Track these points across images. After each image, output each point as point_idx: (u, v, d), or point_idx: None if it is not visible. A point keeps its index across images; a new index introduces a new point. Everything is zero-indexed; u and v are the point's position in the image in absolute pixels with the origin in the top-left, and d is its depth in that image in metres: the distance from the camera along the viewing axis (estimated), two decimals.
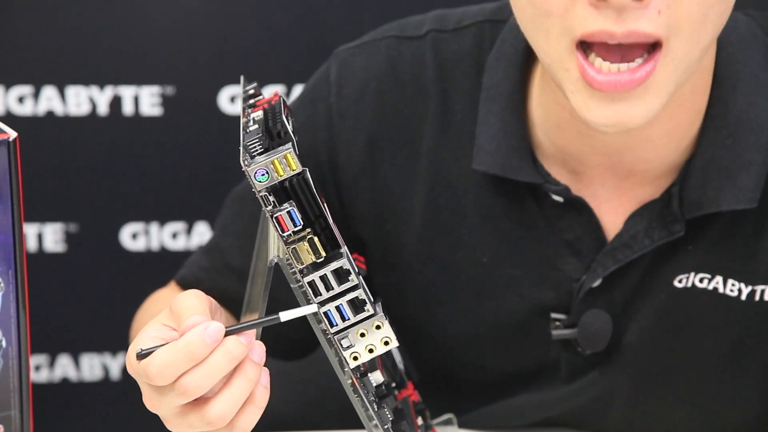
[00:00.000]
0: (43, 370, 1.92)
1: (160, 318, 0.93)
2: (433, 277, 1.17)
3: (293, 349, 1.25)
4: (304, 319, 0.94)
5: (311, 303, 0.91)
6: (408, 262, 1.17)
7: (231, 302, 1.19)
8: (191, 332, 0.88)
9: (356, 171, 1.17)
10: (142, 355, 0.89)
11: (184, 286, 1.25)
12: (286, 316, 0.90)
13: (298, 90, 1.81)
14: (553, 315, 1.13)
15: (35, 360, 1.90)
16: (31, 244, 1.86)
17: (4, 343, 0.96)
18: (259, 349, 0.90)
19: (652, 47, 0.93)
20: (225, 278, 1.22)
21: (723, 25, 0.98)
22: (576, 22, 0.93)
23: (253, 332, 0.90)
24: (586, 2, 0.92)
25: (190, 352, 0.87)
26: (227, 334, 0.89)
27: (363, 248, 1.20)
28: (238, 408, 0.89)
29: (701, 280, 1.10)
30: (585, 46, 0.94)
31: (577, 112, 0.97)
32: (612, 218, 1.11)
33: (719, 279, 1.10)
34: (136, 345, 0.90)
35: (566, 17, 0.94)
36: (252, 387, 0.90)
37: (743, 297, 1.10)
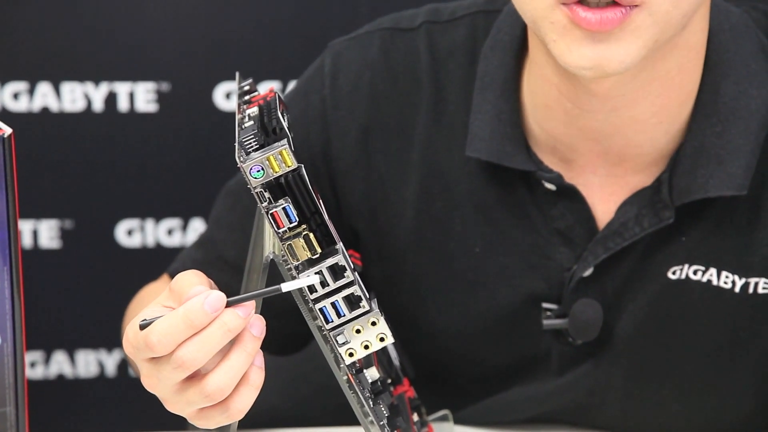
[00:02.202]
0: (38, 367, 1.92)
1: (160, 299, 0.93)
2: (425, 268, 1.17)
3: (286, 344, 1.25)
4: (297, 312, 0.94)
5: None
6: (401, 252, 1.18)
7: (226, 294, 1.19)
8: (192, 300, 0.88)
9: (350, 162, 1.17)
10: (144, 325, 0.89)
11: None
12: (287, 286, 0.90)
13: (293, 85, 1.80)
14: (545, 305, 1.13)
15: (30, 356, 1.90)
16: (27, 241, 1.86)
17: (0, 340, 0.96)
18: (258, 323, 0.90)
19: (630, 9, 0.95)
20: (218, 271, 1.21)
21: None
22: None
23: (252, 306, 0.90)
24: None
25: (189, 320, 0.87)
26: (228, 305, 0.89)
27: (357, 240, 1.20)
28: (236, 381, 0.89)
29: (695, 272, 1.10)
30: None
31: (560, 57, 0.97)
32: (604, 207, 1.11)
33: (713, 271, 1.10)
34: (135, 324, 0.90)
35: None
36: (250, 360, 0.90)
37: (737, 289, 1.10)
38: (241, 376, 0.90)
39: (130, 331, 0.91)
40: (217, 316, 0.88)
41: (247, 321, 0.89)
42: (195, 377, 0.89)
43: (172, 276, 1.26)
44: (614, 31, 0.94)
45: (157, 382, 0.91)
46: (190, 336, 0.88)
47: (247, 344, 0.89)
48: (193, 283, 0.91)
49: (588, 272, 1.11)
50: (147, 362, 0.90)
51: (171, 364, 0.88)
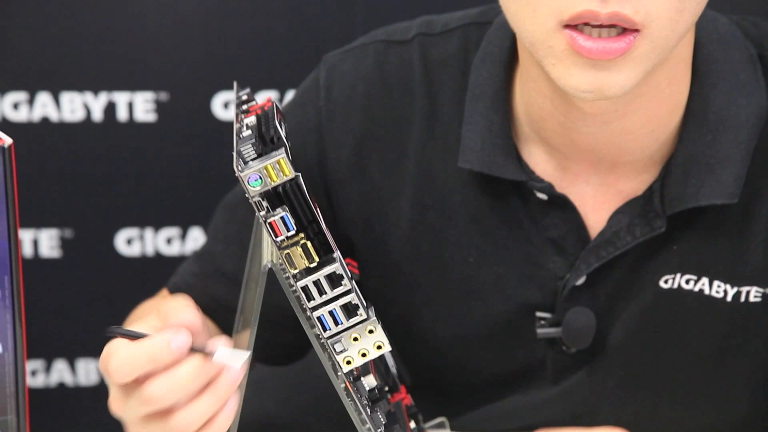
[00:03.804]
0: (39, 375, 1.92)
1: (149, 321, 0.93)
2: (420, 278, 1.17)
3: (283, 354, 1.25)
4: (294, 323, 0.94)
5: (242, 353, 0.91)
6: (396, 262, 1.18)
7: (222, 307, 1.19)
8: (159, 334, 0.88)
9: (345, 172, 1.17)
10: (111, 331, 0.89)
11: (175, 292, 1.25)
12: (219, 356, 0.90)
13: (290, 95, 1.81)
14: (538, 314, 1.13)
15: (31, 365, 1.90)
16: (27, 250, 1.86)
17: (0, 349, 0.96)
18: (235, 373, 0.90)
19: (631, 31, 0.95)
20: (216, 283, 1.22)
21: (699, 14, 0.99)
22: (563, 3, 0.94)
23: (244, 355, 0.90)
24: None
25: (152, 353, 0.87)
26: (193, 350, 0.89)
27: (352, 249, 1.20)
28: (201, 423, 0.89)
29: (687, 281, 1.10)
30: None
31: (559, 80, 0.97)
32: (596, 216, 1.11)
33: (705, 280, 1.10)
34: (112, 343, 0.91)
35: (552, 0, 0.95)
36: (220, 404, 0.90)
37: (729, 298, 1.10)
38: (208, 418, 0.90)
39: (105, 348, 0.91)
40: (189, 358, 0.88)
41: (223, 368, 0.89)
42: (162, 411, 0.89)
43: (171, 290, 1.26)
44: (616, 59, 0.94)
45: (124, 409, 0.91)
46: (161, 372, 0.88)
47: (220, 388, 0.89)
48: (179, 310, 0.91)
49: (581, 281, 1.11)
50: (117, 387, 0.91)
51: (139, 397, 0.88)
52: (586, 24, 0.94)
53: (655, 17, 0.94)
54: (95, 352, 1.90)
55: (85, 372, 1.92)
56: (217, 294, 1.21)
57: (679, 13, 0.95)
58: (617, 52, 0.94)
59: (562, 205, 1.11)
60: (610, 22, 0.93)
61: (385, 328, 0.94)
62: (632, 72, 0.96)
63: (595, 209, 1.11)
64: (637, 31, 0.94)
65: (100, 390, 1.94)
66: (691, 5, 0.96)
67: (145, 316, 0.98)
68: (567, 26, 0.95)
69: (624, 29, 0.94)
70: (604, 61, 0.94)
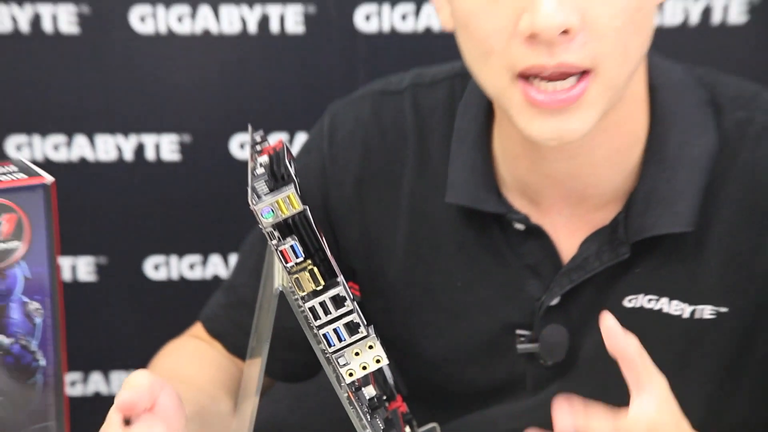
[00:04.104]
0: (77, 386, 1.92)
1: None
2: (414, 301, 1.17)
3: (297, 373, 1.25)
4: (307, 346, 0.94)
5: (315, 332, 0.91)
6: (392, 287, 1.18)
7: (244, 332, 1.19)
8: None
9: (346, 209, 1.18)
10: None
11: (206, 321, 1.26)
12: None
13: (299, 137, 1.81)
14: (518, 331, 1.13)
15: (70, 377, 1.90)
16: (66, 275, 1.86)
17: (43, 362, 0.96)
18: None
19: (582, 72, 0.95)
20: (239, 312, 1.22)
21: (645, 52, 1.00)
22: (514, 59, 0.94)
23: None
24: (521, 40, 0.93)
25: None
26: None
27: (354, 276, 1.20)
28: None
29: (649, 301, 1.10)
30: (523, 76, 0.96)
31: (523, 131, 0.98)
32: (568, 243, 1.11)
33: (665, 300, 1.10)
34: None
35: (505, 55, 0.95)
36: None
37: (686, 316, 1.10)
38: None
39: None
40: None
41: None
42: None
43: (202, 320, 1.26)
44: (571, 106, 0.95)
45: None
46: None
47: None
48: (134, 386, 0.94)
49: (555, 301, 1.11)
50: None
51: None
52: (537, 76, 0.94)
53: (602, 60, 0.94)
54: (127, 364, 1.90)
55: (118, 382, 1.92)
56: (240, 321, 1.21)
57: (625, 53, 0.95)
58: (571, 100, 0.94)
59: (537, 234, 1.11)
60: (560, 71, 0.93)
61: (383, 344, 0.94)
62: (588, 115, 0.96)
63: (567, 238, 1.11)
64: (588, 72, 0.94)
65: None
66: (635, 45, 0.96)
67: (168, 368, 1.02)
68: (521, 78, 0.95)
69: (576, 75, 0.94)
70: (561, 108, 0.94)
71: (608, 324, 0.89)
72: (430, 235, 1.15)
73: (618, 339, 0.89)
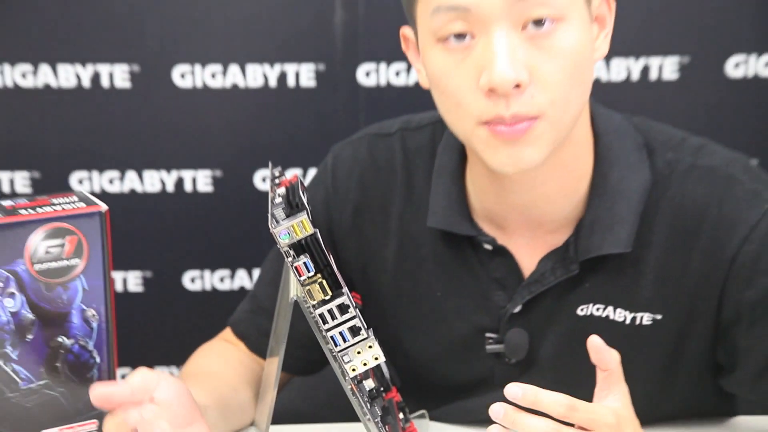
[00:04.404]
0: None
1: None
2: (401, 308, 1.17)
3: (308, 367, 1.24)
4: (317, 344, 0.94)
5: (323, 335, 0.90)
6: (384, 296, 1.17)
7: (264, 334, 1.19)
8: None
9: (346, 232, 1.17)
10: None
11: (233, 324, 1.26)
12: None
13: (311, 171, 1.81)
14: (487, 334, 1.12)
15: (121, 371, 1.89)
16: (118, 287, 1.86)
17: (98, 360, 0.96)
18: None
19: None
20: (260, 317, 1.22)
21: (586, 99, 1.01)
22: (479, 111, 0.95)
23: None
24: (483, 94, 0.94)
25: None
26: None
27: (352, 288, 1.19)
28: None
29: (597, 309, 1.09)
30: None
31: (487, 162, 0.98)
32: (528, 261, 1.10)
33: (610, 308, 1.09)
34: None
35: (471, 107, 0.96)
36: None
37: (627, 322, 1.09)
38: None
39: None
40: None
41: None
42: None
43: (231, 326, 1.26)
44: (524, 138, 0.95)
45: None
46: None
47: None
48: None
49: (517, 309, 1.10)
50: None
51: None
52: (498, 124, 0.95)
53: (548, 107, 0.95)
54: (168, 361, 1.89)
55: None
56: (261, 324, 1.21)
57: (566, 101, 0.96)
58: (523, 131, 0.95)
59: (503, 253, 1.10)
60: (514, 121, 0.94)
61: (381, 344, 0.94)
62: (537, 147, 0.97)
63: (527, 257, 1.10)
64: (536, 118, 0.95)
65: None
66: (576, 94, 0.97)
67: (200, 370, 1.03)
68: (487, 123, 0.96)
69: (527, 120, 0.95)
70: (516, 140, 0.95)
71: (596, 342, 0.92)
72: (414, 252, 1.15)
73: (604, 353, 0.92)
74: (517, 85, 0.93)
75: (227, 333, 1.26)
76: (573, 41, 0.95)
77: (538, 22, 0.93)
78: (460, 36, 0.95)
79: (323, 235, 1.16)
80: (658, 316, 1.08)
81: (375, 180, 1.17)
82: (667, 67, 1.75)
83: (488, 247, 1.10)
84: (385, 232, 1.16)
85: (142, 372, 0.94)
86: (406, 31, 1.07)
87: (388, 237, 1.16)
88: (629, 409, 0.93)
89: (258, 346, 1.22)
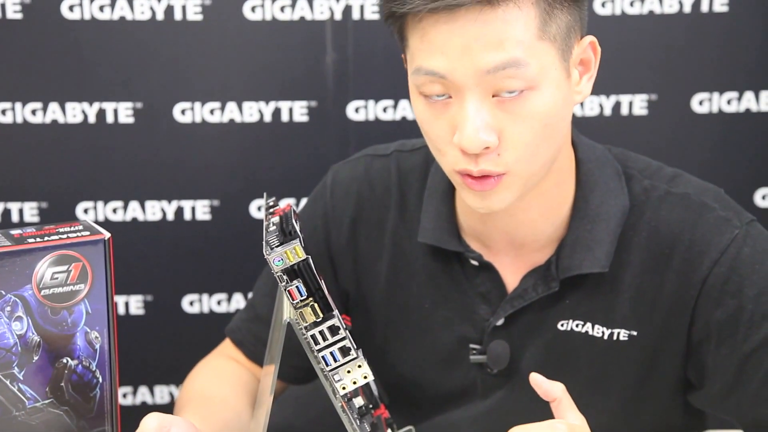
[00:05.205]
0: (128, 397, 1.89)
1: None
2: (392, 318, 1.17)
3: (301, 376, 1.23)
4: (306, 357, 0.93)
5: (315, 354, 0.90)
6: (376, 306, 1.18)
7: (259, 342, 1.20)
8: None
9: (343, 245, 1.18)
10: None
11: (230, 332, 1.26)
12: None
13: (303, 201, 1.80)
14: (471, 345, 1.12)
15: (122, 390, 1.87)
16: (120, 310, 1.84)
17: (101, 379, 0.95)
18: None
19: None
20: (256, 325, 1.22)
21: (559, 149, 1.02)
22: (453, 160, 0.98)
23: None
24: (456, 148, 0.97)
25: None
26: None
27: (348, 299, 1.20)
28: None
29: (577, 325, 1.10)
30: None
31: (465, 200, 1.01)
32: (512, 277, 1.11)
33: (589, 324, 1.09)
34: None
35: (448, 155, 0.98)
36: None
37: (605, 337, 1.09)
38: None
39: None
40: None
41: None
42: None
43: (228, 334, 1.26)
44: (492, 190, 0.98)
45: None
46: None
47: None
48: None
49: (500, 322, 1.10)
50: None
51: None
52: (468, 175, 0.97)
53: (514, 164, 0.97)
54: (168, 380, 1.88)
55: (160, 394, 1.89)
56: (257, 331, 1.22)
57: (533, 158, 0.98)
58: (492, 185, 0.97)
59: (488, 269, 1.11)
60: (481, 175, 0.96)
61: (368, 360, 0.94)
62: (507, 195, 0.99)
63: (511, 273, 1.11)
64: (503, 174, 0.97)
65: (171, 407, 1.91)
66: (543, 150, 0.98)
67: (196, 389, 1.03)
68: (458, 172, 0.98)
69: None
70: (486, 191, 0.98)
71: (536, 379, 0.93)
72: (406, 266, 1.15)
73: (545, 385, 0.92)
74: (487, 147, 0.94)
75: (225, 344, 1.26)
76: (544, 105, 0.96)
77: (510, 91, 0.94)
78: (440, 94, 0.96)
79: (321, 250, 1.17)
80: (634, 333, 1.09)
81: (371, 197, 1.18)
82: (636, 104, 1.76)
83: (475, 262, 1.11)
84: (380, 247, 1.17)
85: (156, 417, 0.93)
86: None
87: (382, 251, 1.16)
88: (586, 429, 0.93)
89: (255, 353, 1.22)
